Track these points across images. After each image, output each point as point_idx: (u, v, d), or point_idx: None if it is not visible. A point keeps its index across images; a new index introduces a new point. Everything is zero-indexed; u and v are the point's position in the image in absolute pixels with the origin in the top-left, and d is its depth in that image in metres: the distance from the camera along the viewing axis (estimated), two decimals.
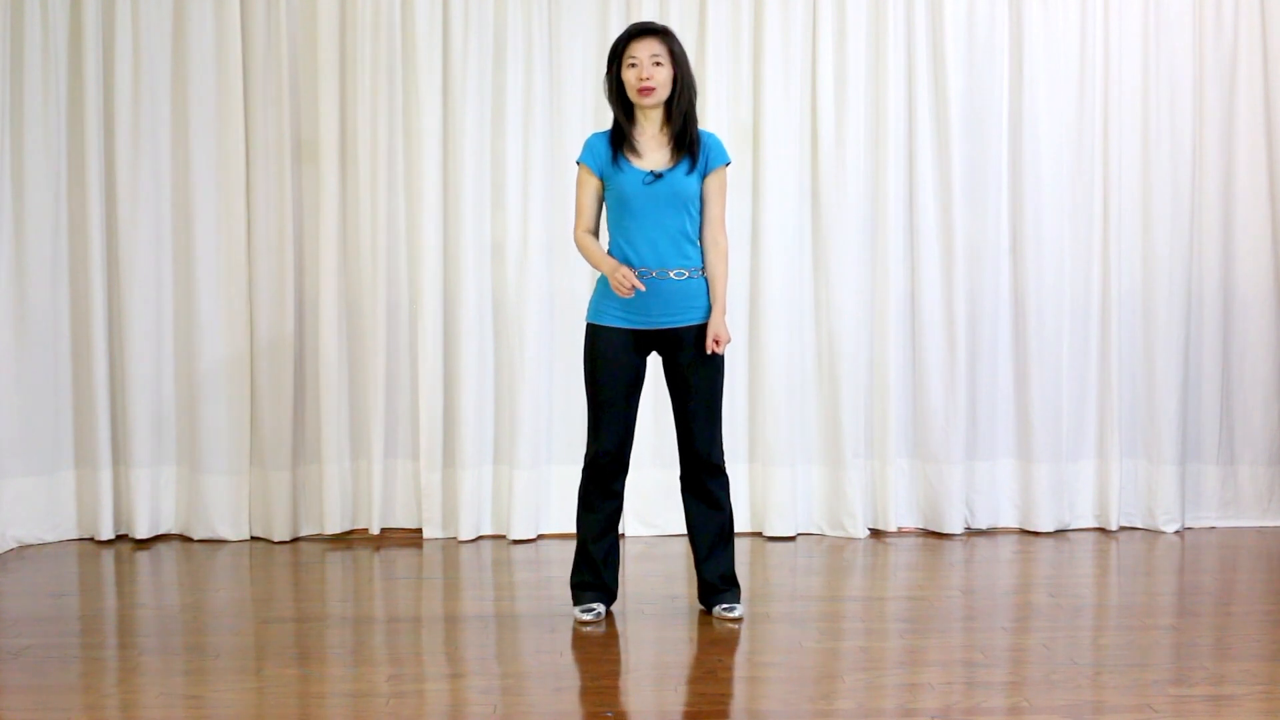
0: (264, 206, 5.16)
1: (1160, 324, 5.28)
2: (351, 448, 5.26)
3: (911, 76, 5.24)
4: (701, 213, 4.00)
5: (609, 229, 4.00)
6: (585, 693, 3.41)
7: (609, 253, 3.97)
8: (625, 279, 3.81)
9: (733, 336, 5.20)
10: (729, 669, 3.59)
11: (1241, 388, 5.38)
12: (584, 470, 4.05)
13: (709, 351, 3.95)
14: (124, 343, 5.16)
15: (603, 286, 3.97)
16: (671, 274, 3.90)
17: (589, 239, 3.99)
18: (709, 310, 3.98)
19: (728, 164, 4.00)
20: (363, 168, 5.15)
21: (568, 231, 4.97)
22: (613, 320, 3.94)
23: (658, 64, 3.87)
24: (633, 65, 3.89)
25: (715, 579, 4.08)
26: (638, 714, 3.25)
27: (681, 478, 4.12)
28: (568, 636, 3.88)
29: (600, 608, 4.05)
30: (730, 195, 5.18)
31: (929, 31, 5.23)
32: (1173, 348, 5.27)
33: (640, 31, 3.92)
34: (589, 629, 3.94)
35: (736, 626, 3.96)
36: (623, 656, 3.75)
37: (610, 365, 3.94)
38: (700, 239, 4.02)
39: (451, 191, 5.19)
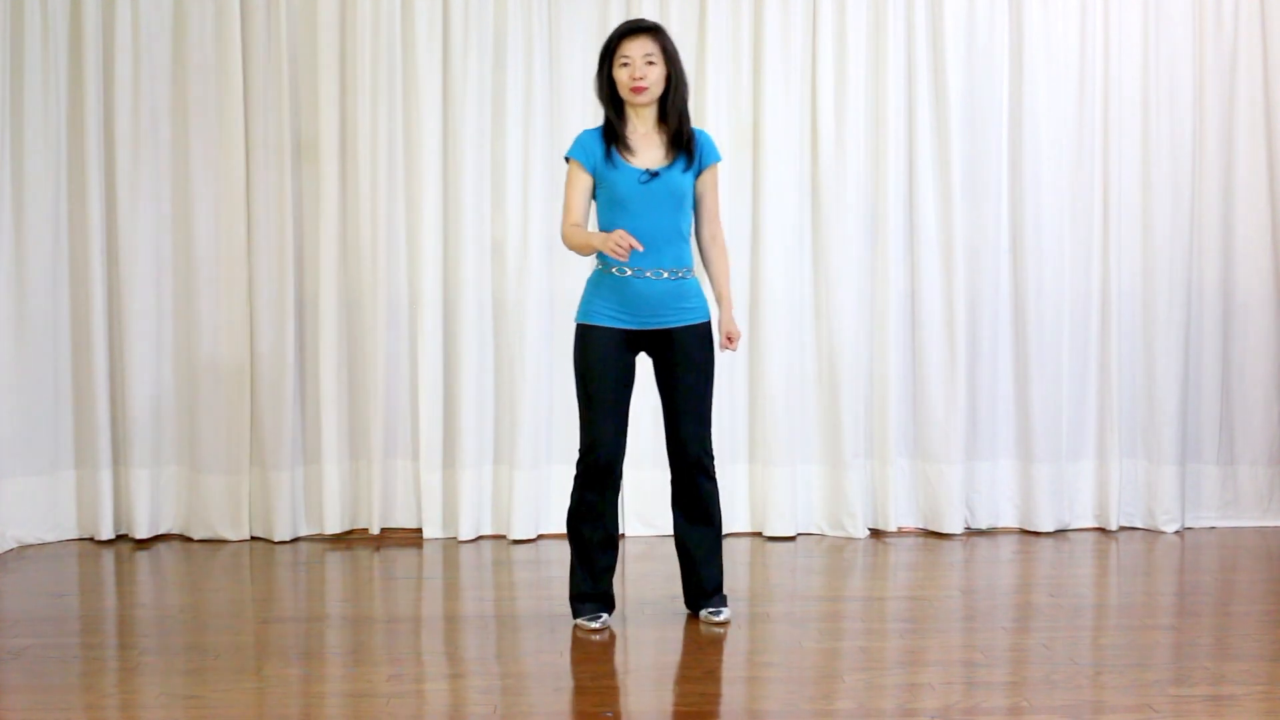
0: (264, 206, 5.15)
1: (1160, 324, 5.28)
2: (351, 448, 5.26)
3: (911, 77, 5.24)
4: (698, 210, 3.98)
5: (599, 228, 3.94)
6: (585, 693, 3.41)
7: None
8: (622, 240, 3.66)
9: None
10: (729, 669, 3.59)
11: (1241, 388, 5.38)
12: (578, 476, 3.92)
13: (722, 349, 3.93)
14: (124, 342, 5.16)
15: (592, 287, 3.91)
16: (665, 274, 3.85)
17: (577, 228, 3.87)
18: (701, 310, 3.94)
19: (719, 160, 3.99)
20: (363, 168, 5.15)
21: None
22: (603, 320, 3.86)
23: (650, 63, 3.84)
24: (625, 64, 3.85)
25: (711, 587, 4.04)
26: (637, 714, 3.25)
27: (672, 483, 4.02)
28: (568, 636, 3.88)
29: (606, 617, 3.98)
30: (730, 195, 5.19)
31: (929, 32, 5.23)
32: (1173, 348, 5.27)
33: (632, 30, 3.87)
34: (598, 637, 3.89)
35: (724, 631, 3.95)
36: (622, 656, 3.75)
37: (601, 364, 3.85)
38: (699, 236, 4.01)
39: (451, 191, 5.19)
